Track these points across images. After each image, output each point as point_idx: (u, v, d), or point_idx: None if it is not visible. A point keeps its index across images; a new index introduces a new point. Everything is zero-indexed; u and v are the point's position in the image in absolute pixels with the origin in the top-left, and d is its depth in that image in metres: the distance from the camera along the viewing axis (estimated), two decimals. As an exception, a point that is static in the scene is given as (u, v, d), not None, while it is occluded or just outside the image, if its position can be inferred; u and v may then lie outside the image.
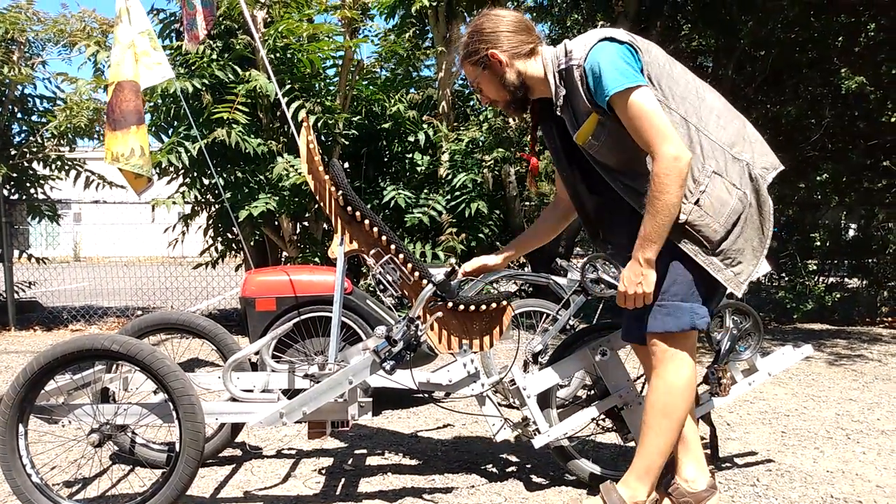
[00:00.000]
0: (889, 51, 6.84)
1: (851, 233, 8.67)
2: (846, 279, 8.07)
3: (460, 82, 9.07)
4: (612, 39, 1.89)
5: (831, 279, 8.10)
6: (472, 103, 8.42)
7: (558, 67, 1.98)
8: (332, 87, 6.41)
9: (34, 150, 6.92)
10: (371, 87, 6.59)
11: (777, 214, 7.97)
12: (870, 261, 7.84)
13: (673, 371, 1.98)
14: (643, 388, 2.50)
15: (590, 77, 1.88)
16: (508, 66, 2.03)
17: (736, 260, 1.93)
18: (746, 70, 8.23)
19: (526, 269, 8.03)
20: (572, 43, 1.98)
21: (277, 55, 5.87)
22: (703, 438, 2.82)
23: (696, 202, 1.88)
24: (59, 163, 7.05)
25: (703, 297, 1.96)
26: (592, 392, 2.53)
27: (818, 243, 8.13)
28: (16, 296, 7.05)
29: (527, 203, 8.54)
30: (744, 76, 8.25)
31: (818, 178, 7.91)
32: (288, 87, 5.81)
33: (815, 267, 8.17)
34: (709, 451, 2.80)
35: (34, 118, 7.06)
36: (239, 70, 5.76)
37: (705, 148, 1.92)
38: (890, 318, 7.20)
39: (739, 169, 1.94)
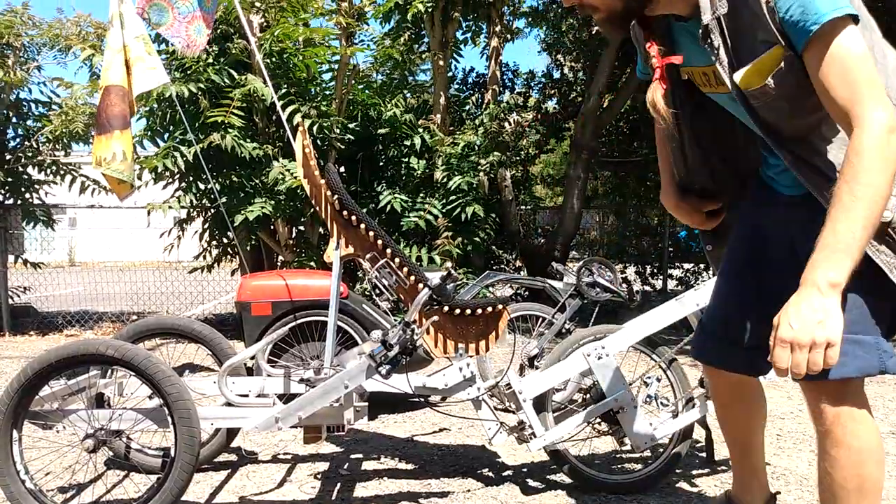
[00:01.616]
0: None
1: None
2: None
3: (456, 87, 9.11)
4: None
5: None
6: (467, 107, 8.44)
7: None
8: (327, 92, 6.42)
9: (29, 154, 6.90)
10: (367, 92, 6.61)
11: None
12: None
13: (858, 430, 1.36)
14: (639, 391, 2.50)
15: None
16: None
17: None
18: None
19: (522, 272, 8.04)
20: None
21: (273, 59, 5.88)
22: (698, 442, 2.83)
23: None
24: (54, 168, 7.03)
25: (886, 328, 1.36)
26: (588, 396, 2.53)
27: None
28: (10, 301, 7.02)
29: (522, 207, 8.56)
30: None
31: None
32: (284, 91, 5.82)
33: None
34: (704, 455, 2.81)
35: (29, 123, 7.04)
36: (235, 74, 5.77)
37: None
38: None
39: None
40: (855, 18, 1.20)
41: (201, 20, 4.42)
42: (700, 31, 1.33)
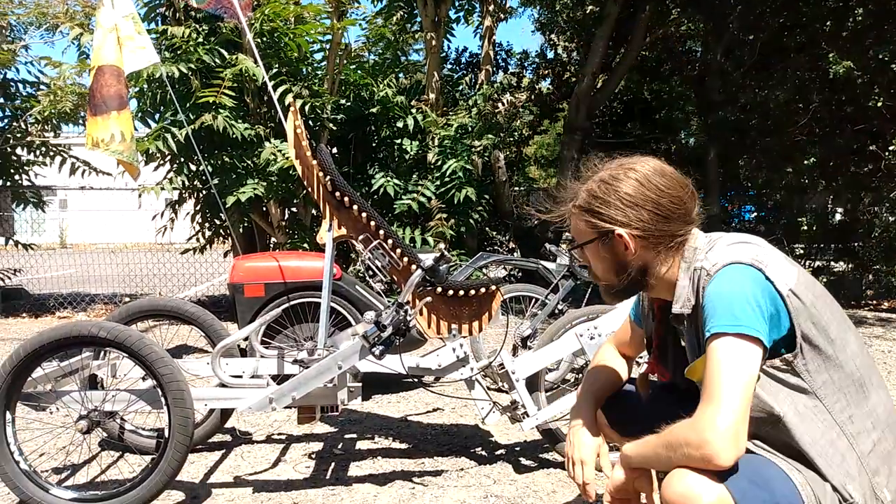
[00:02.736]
0: (876, 36, 6.86)
1: (838, 217, 8.75)
2: (832, 263, 8.16)
3: (449, 66, 9.05)
4: (759, 270, 1.29)
5: (818, 263, 8.18)
6: (460, 88, 8.39)
7: (696, 262, 1.38)
8: (319, 72, 6.36)
9: (18, 135, 6.83)
10: (359, 72, 6.55)
11: (764, 199, 7.90)
12: (856, 244, 7.93)
13: None
14: (630, 370, 2.51)
15: (706, 299, 1.30)
16: (635, 255, 1.42)
17: None
18: (735, 54, 8.24)
19: (515, 254, 8.05)
20: (721, 242, 1.38)
21: (264, 39, 5.81)
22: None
23: None
24: (43, 149, 6.96)
25: None
26: (581, 375, 2.55)
27: (805, 227, 8.20)
28: (1, 283, 6.99)
29: (516, 189, 8.55)
30: (732, 61, 8.27)
31: (805, 162, 7.97)
32: (275, 70, 5.76)
33: (801, 251, 8.25)
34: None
35: (17, 103, 6.96)
36: (225, 54, 5.70)
37: (849, 462, 1.28)
38: (875, 301, 7.29)
39: None
40: (750, 338, 1.22)
41: None
42: (671, 316, 1.44)
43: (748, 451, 1.27)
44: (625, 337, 1.77)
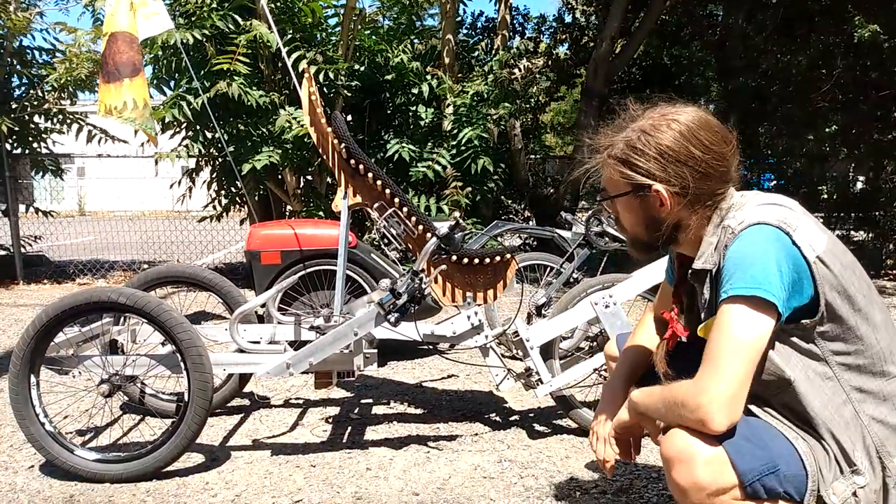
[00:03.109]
0: (905, -3, 6.66)
1: (859, 185, 8.61)
2: (853, 232, 8.05)
3: (464, 32, 8.93)
4: (786, 233, 1.23)
5: (838, 232, 8.07)
6: (475, 53, 8.28)
7: (725, 221, 1.33)
8: (333, 37, 6.30)
9: (35, 103, 6.85)
10: (373, 37, 6.48)
11: (784, 167, 7.74)
12: (877, 214, 7.81)
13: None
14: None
15: (727, 258, 1.26)
16: (670, 212, 1.36)
17: None
18: (757, 18, 8.04)
19: (531, 222, 8.02)
20: (751, 203, 1.32)
21: (278, 4, 5.76)
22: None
23: (854, 494, 1.25)
24: (60, 116, 6.99)
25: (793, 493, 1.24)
26: (595, 343, 2.55)
27: (825, 196, 8.08)
28: (22, 250, 7.09)
29: (532, 157, 8.49)
30: (754, 25, 8.07)
31: (827, 129, 7.81)
32: (289, 36, 5.72)
33: (821, 220, 8.14)
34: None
35: (33, 70, 6.97)
36: (239, 20, 5.66)
37: (853, 430, 1.27)
38: (895, 271, 7.20)
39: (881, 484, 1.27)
40: (766, 303, 1.19)
41: None
42: (690, 272, 1.40)
43: (753, 415, 1.28)
44: (662, 298, 1.71)
